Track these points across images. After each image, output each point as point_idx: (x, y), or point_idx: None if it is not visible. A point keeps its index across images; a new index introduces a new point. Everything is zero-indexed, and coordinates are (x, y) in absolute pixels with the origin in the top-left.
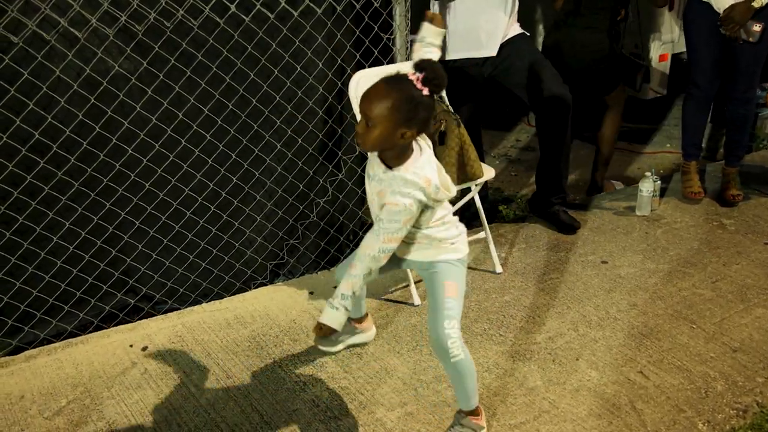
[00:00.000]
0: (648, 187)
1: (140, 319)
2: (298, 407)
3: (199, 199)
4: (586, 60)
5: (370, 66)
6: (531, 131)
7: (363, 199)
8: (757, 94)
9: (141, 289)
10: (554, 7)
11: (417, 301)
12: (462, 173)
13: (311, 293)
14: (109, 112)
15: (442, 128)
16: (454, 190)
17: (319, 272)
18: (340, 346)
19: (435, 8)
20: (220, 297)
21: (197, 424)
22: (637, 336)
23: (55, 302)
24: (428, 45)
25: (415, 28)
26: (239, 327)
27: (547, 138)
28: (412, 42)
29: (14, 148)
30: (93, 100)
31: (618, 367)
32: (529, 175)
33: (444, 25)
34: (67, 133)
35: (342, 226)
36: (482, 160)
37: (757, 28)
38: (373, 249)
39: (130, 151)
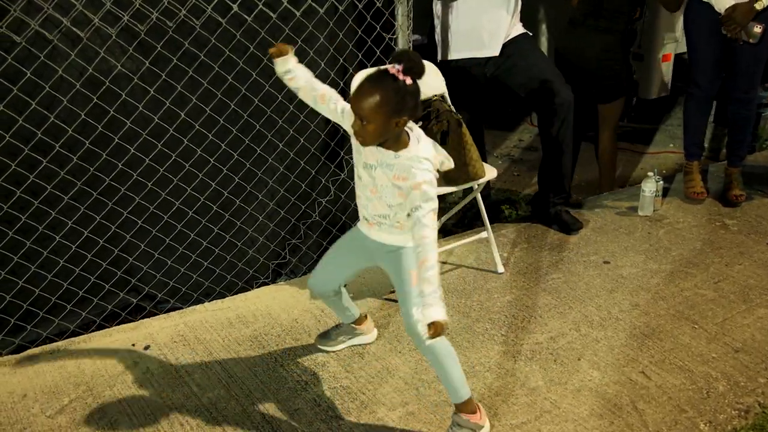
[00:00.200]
0: (650, 187)
1: (142, 318)
2: (300, 406)
3: (202, 198)
4: (595, 62)
5: (372, 66)
6: (533, 131)
7: None
8: (760, 94)
9: (143, 288)
10: (571, 3)
11: None
12: (464, 173)
13: None
14: (112, 112)
15: (445, 128)
16: (452, 161)
17: None
18: (339, 347)
19: (437, 8)
20: (222, 296)
21: (199, 423)
22: (639, 336)
23: (57, 301)
24: (292, 72)
25: (417, 28)
26: (241, 326)
27: (549, 138)
28: (414, 42)
29: (17, 147)
30: (95, 100)
31: (620, 367)
32: (532, 175)
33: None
34: (70, 132)
35: (344, 226)
36: (484, 160)
37: (758, 29)
38: (432, 233)
39: (132, 151)
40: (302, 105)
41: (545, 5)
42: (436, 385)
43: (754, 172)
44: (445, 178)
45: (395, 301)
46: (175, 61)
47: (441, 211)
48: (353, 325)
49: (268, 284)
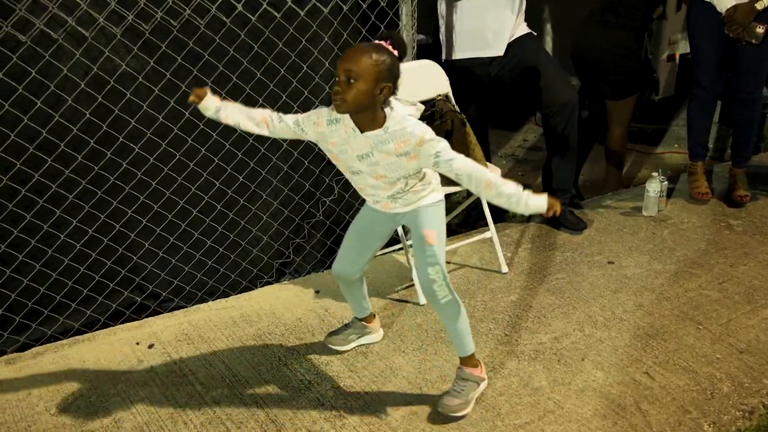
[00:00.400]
0: (655, 187)
1: (147, 316)
2: (304, 406)
3: (206, 197)
4: (609, 58)
5: None
6: (538, 131)
7: None
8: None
9: (147, 287)
10: None
11: (422, 300)
12: None
13: (317, 292)
14: (116, 111)
15: (449, 128)
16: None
17: (325, 271)
18: (349, 346)
19: (442, 8)
20: (226, 295)
21: (203, 421)
22: (643, 337)
23: (62, 300)
24: (222, 110)
25: (421, 28)
26: (245, 325)
27: (553, 138)
28: (419, 42)
29: (22, 146)
30: (100, 99)
31: (623, 367)
32: (536, 175)
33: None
34: (74, 131)
35: (348, 225)
36: (489, 160)
37: (760, 30)
38: (465, 160)
39: (136, 150)
40: (307, 104)
41: (550, 5)
42: (440, 384)
43: (759, 173)
44: (449, 177)
45: (399, 300)
46: (179, 60)
47: (445, 211)
48: (364, 323)
49: (272, 283)
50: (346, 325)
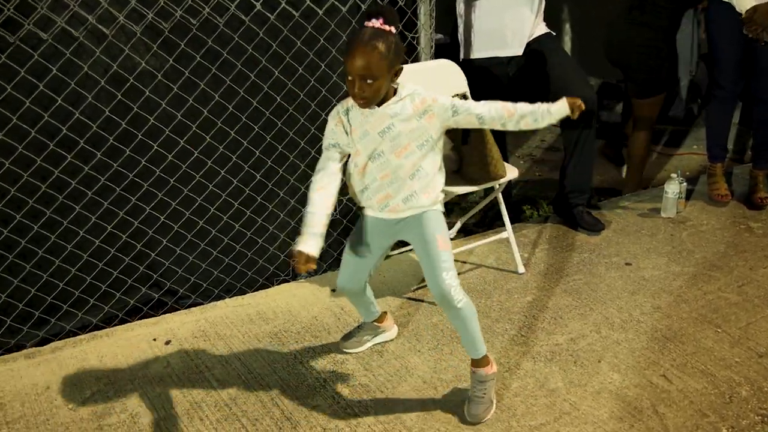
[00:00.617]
0: (674, 188)
1: (164, 313)
2: (319, 403)
3: (223, 195)
4: (635, 56)
5: None
6: (556, 132)
7: None
8: None
9: (165, 284)
10: None
11: None
12: (485, 173)
13: (333, 290)
14: (135, 109)
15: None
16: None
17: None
18: (364, 347)
19: (460, 7)
20: (242, 293)
21: (218, 418)
22: (660, 339)
23: (81, 295)
24: (325, 225)
25: (440, 27)
26: (261, 323)
27: (571, 138)
28: (437, 41)
29: (43, 143)
30: (120, 97)
31: (641, 370)
32: (554, 176)
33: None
34: (94, 128)
35: None
36: (506, 160)
37: None
38: (482, 102)
39: (155, 147)
40: (324, 103)
41: (570, 5)
42: (455, 384)
43: None
44: (466, 177)
45: (415, 299)
46: (198, 58)
47: (462, 211)
48: (375, 323)
49: (288, 281)
50: (359, 326)
